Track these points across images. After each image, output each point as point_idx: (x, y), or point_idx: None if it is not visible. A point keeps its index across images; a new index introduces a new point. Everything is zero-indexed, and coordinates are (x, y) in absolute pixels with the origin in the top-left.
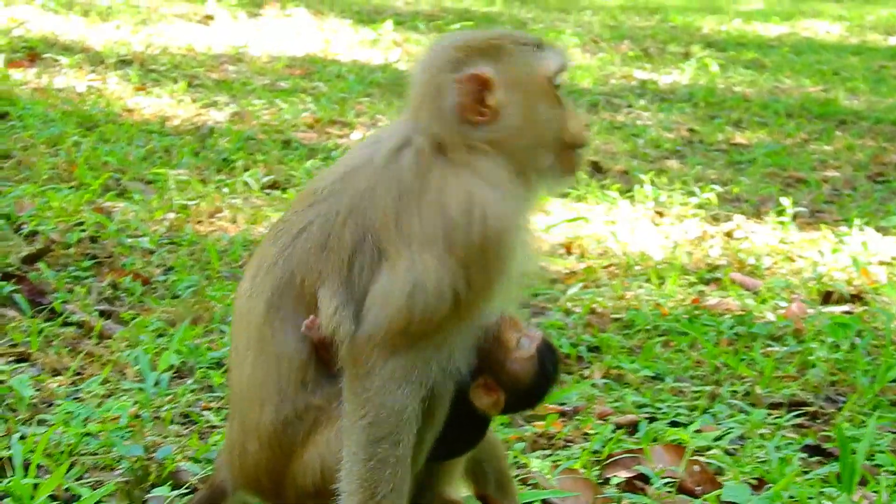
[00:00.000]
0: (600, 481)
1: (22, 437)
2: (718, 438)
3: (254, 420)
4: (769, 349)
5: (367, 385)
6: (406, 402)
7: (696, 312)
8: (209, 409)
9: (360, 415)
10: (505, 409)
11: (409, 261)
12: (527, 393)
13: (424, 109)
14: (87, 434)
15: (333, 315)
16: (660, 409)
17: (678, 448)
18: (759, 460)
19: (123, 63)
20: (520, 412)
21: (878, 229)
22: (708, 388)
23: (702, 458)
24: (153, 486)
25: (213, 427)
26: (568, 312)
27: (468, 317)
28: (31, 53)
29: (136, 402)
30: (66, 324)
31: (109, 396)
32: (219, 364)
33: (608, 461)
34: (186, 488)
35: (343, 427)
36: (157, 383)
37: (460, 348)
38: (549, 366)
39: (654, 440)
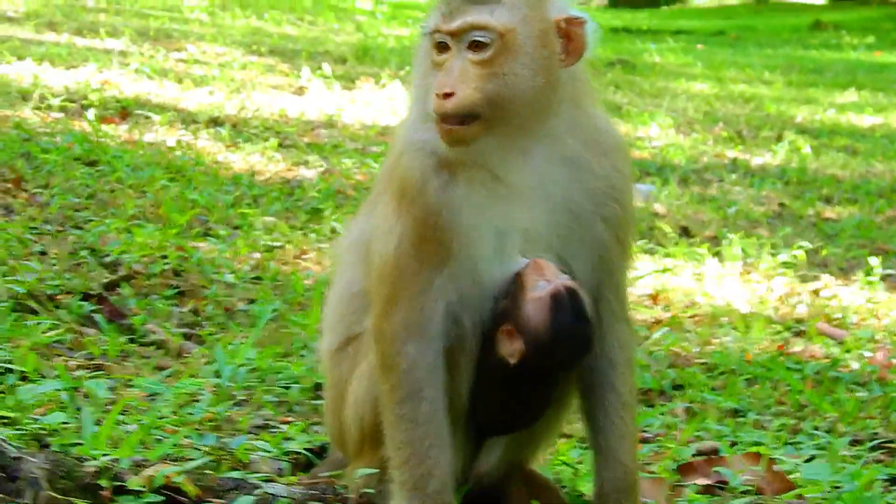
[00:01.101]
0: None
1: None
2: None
3: (320, 352)
4: (852, 393)
5: (380, 348)
6: (418, 357)
7: (781, 358)
8: (286, 422)
9: (383, 379)
10: (526, 361)
11: (382, 201)
12: (540, 340)
13: None
14: (159, 429)
15: None
16: (741, 438)
17: (756, 456)
18: (837, 484)
19: (215, 123)
20: (543, 366)
21: None
22: (791, 421)
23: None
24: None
25: (288, 438)
26: (651, 353)
27: (429, 262)
28: (123, 111)
29: (211, 402)
30: (144, 343)
31: (184, 406)
32: (297, 382)
33: (686, 466)
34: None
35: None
36: (233, 378)
37: (459, 295)
38: (562, 313)
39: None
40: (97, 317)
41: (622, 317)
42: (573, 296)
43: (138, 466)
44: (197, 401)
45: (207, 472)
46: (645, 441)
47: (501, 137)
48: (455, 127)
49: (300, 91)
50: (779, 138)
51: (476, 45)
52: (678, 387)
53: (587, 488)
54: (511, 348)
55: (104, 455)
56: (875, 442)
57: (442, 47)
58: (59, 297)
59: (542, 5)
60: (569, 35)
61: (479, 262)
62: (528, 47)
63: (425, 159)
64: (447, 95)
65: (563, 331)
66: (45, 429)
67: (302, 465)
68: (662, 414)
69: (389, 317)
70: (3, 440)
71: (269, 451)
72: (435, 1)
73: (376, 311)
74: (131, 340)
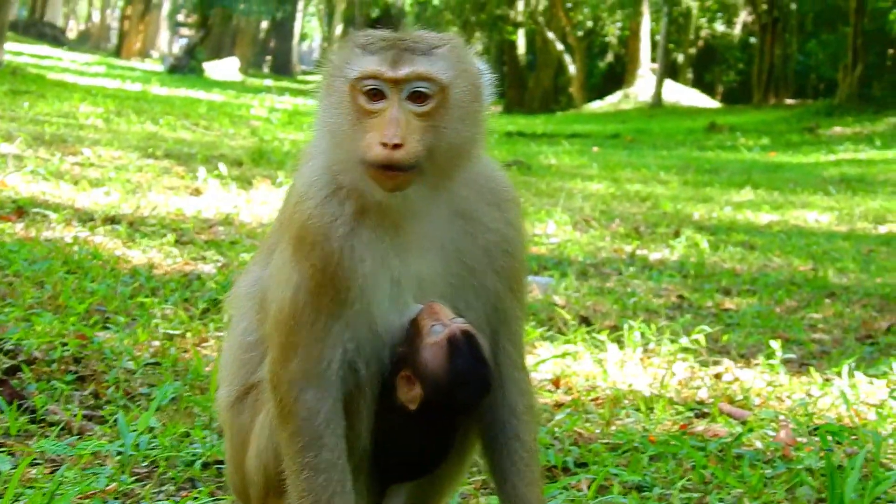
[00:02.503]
0: None
1: None
2: None
3: (218, 403)
4: (757, 469)
5: (278, 396)
6: (316, 405)
7: (685, 437)
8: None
9: (282, 427)
10: (425, 406)
11: (278, 249)
12: (439, 384)
13: None
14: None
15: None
16: None
17: None
18: None
19: (112, 221)
20: (443, 410)
21: (867, 375)
22: (696, 495)
23: None
24: None
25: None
26: (554, 435)
27: (327, 309)
28: (19, 210)
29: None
30: (45, 424)
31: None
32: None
33: None
34: None
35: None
36: (136, 445)
37: (356, 343)
38: (460, 356)
39: None
40: None
41: (520, 365)
42: (469, 338)
43: None
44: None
45: None
46: None
47: (418, 186)
48: (399, 174)
49: (196, 192)
50: (676, 234)
51: (418, 96)
52: (582, 464)
53: None
54: (410, 394)
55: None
56: None
57: (375, 94)
58: None
59: (472, 58)
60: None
61: (376, 309)
62: (463, 101)
63: (332, 206)
64: (396, 146)
65: (462, 374)
66: None
67: None
68: (566, 489)
69: (286, 364)
70: None
71: None
72: (355, 46)
73: (273, 359)
74: (32, 421)
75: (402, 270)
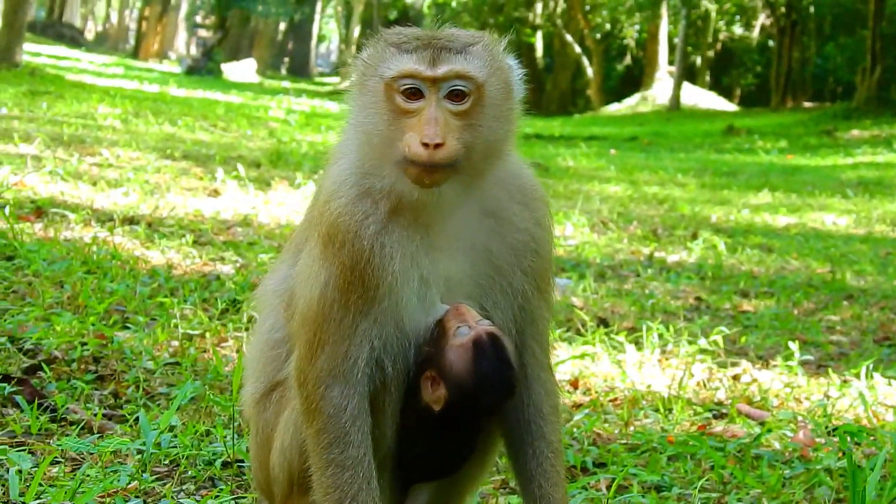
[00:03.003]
0: None
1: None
2: None
3: (244, 400)
4: (775, 469)
5: (304, 392)
6: (343, 402)
7: (703, 437)
8: (213, 498)
9: (308, 424)
10: (450, 407)
11: (306, 248)
12: (463, 387)
13: None
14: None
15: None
16: None
17: None
18: None
19: (130, 222)
20: (467, 412)
21: (885, 377)
22: (714, 495)
23: None
24: None
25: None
26: (573, 435)
27: (355, 306)
28: (38, 210)
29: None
30: (66, 423)
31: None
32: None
33: None
34: None
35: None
36: (157, 444)
37: (382, 341)
38: (485, 359)
39: None
40: (18, 398)
41: (546, 365)
42: (495, 341)
43: None
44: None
45: None
46: None
47: (452, 184)
48: (437, 173)
49: (215, 193)
50: (694, 236)
51: (455, 95)
52: (600, 464)
53: None
54: (434, 395)
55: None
56: None
57: (412, 94)
58: None
59: (504, 56)
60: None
61: (403, 308)
62: (497, 98)
63: (362, 204)
64: (437, 146)
65: (486, 376)
66: None
67: None
68: (585, 488)
69: (313, 361)
70: None
71: None
72: (388, 44)
73: (300, 355)
74: (53, 420)
75: (430, 269)
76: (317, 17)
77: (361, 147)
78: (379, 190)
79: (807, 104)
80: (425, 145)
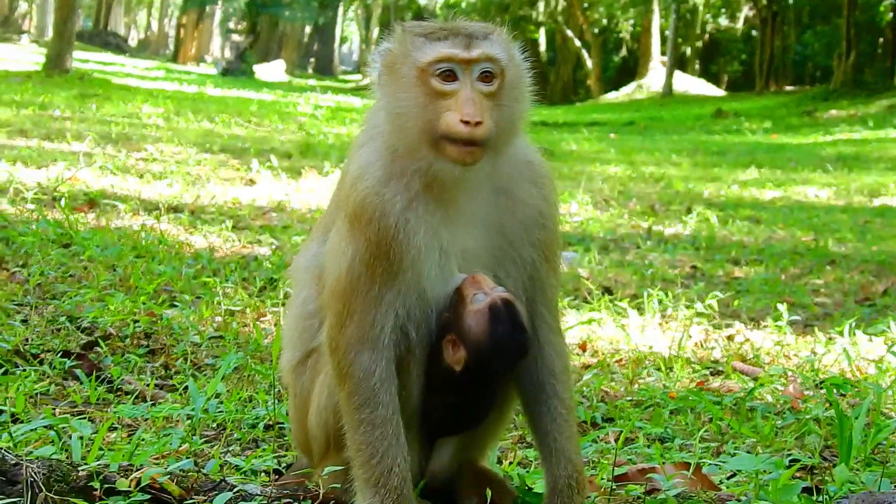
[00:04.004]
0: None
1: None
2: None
3: (282, 367)
4: (768, 420)
5: (336, 358)
6: (371, 366)
7: (702, 393)
8: (258, 457)
9: (340, 387)
10: (469, 368)
11: (334, 227)
12: (481, 348)
13: None
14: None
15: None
16: (669, 458)
17: (685, 466)
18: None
19: (175, 210)
20: (485, 371)
21: (866, 334)
22: (713, 444)
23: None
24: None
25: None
26: (583, 394)
27: (381, 278)
28: (91, 202)
29: (186, 433)
30: (121, 393)
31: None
32: (263, 422)
33: (621, 476)
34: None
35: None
36: (205, 409)
37: (406, 309)
38: (500, 323)
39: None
40: (77, 371)
41: (556, 329)
42: (509, 307)
43: (126, 471)
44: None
45: (189, 472)
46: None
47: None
48: (476, 150)
49: (251, 182)
50: (688, 211)
51: (486, 76)
52: (609, 419)
53: (532, 481)
54: (455, 357)
55: (95, 461)
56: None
57: (448, 76)
58: (41, 355)
59: (516, 43)
60: None
61: (425, 278)
62: (515, 81)
63: (390, 185)
64: (477, 123)
65: (502, 339)
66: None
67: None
68: (596, 441)
69: (343, 329)
70: (3, 449)
71: (241, 467)
72: (415, 35)
73: (330, 325)
74: (109, 391)
75: (450, 242)
76: (339, 19)
77: (393, 132)
78: (409, 171)
79: (788, 88)
80: (465, 123)
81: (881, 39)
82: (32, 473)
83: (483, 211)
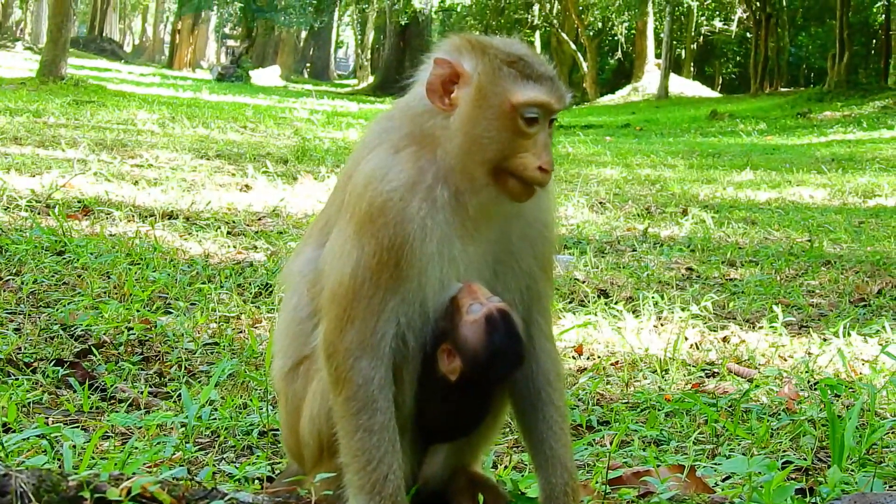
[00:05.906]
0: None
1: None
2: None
3: (273, 374)
4: (763, 421)
5: (333, 363)
6: (371, 373)
7: (697, 394)
8: (251, 464)
9: (337, 391)
10: (464, 378)
11: (336, 229)
12: (477, 359)
13: (413, 83)
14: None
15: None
16: (665, 460)
17: (680, 468)
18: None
19: (170, 216)
20: (481, 383)
21: (861, 335)
22: (709, 446)
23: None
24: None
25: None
26: (578, 397)
27: (386, 285)
28: (85, 209)
29: (179, 441)
30: (115, 401)
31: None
32: (257, 429)
33: (616, 479)
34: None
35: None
36: (199, 417)
37: (406, 316)
38: (497, 333)
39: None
40: (71, 380)
41: (550, 336)
42: (505, 316)
43: (117, 480)
44: (166, 441)
45: (181, 481)
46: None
47: None
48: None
49: (246, 188)
50: (684, 213)
51: (552, 122)
52: (604, 422)
53: (525, 486)
54: (451, 366)
55: (87, 470)
56: (784, 460)
57: (533, 121)
58: (34, 364)
59: None
60: None
61: (429, 287)
62: None
63: (415, 191)
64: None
65: (498, 349)
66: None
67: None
68: (591, 444)
69: (343, 335)
70: None
71: (234, 475)
72: (511, 68)
73: (328, 329)
74: (103, 399)
75: (458, 252)
76: (334, 24)
77: (459, 149)
78: (440, 180)
79: (783, 89)
80: (543, 170)
81: (874, 41)
82: (22, 484)
83: (491, 222)
